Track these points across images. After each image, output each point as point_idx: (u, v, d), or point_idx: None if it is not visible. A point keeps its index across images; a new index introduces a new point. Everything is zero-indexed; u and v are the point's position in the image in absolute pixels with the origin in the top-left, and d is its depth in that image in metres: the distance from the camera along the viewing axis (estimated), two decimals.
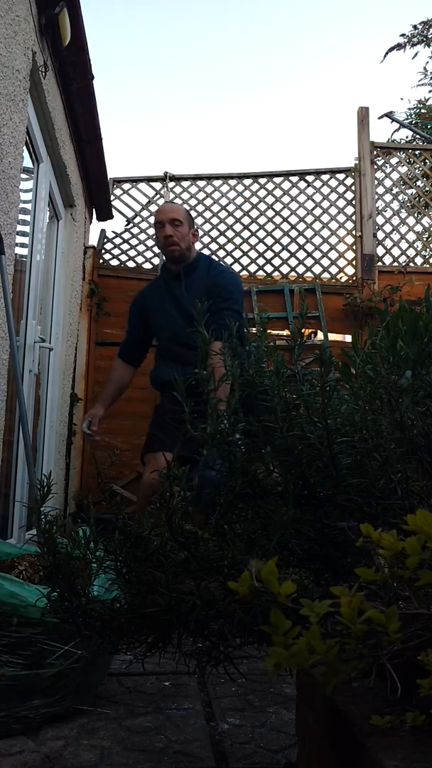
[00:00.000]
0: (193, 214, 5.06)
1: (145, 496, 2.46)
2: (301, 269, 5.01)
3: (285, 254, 5.03)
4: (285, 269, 5.02)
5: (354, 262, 5.00)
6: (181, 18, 26.27)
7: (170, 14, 26.41)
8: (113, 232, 5.01)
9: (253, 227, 5.06)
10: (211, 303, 2.56)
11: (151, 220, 5.02)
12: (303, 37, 25.26)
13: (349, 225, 5.05)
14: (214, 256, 4.92)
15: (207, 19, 25.34)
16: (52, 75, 3.12)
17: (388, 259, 5.01)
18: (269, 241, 5.05)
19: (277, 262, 5.02)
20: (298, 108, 31.11)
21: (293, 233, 5.05)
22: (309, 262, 5.03)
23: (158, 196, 5.07)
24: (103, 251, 4.91)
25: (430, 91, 11.32)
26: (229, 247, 5.03)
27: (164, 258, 2.80)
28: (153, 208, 5.05)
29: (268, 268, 5.02)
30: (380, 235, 5.03)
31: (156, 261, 4.93)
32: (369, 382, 1.05)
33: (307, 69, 27.18)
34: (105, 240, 4.98)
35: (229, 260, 5.00)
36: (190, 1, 25.35)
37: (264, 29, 26.00)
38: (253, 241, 5.05)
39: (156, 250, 4.96)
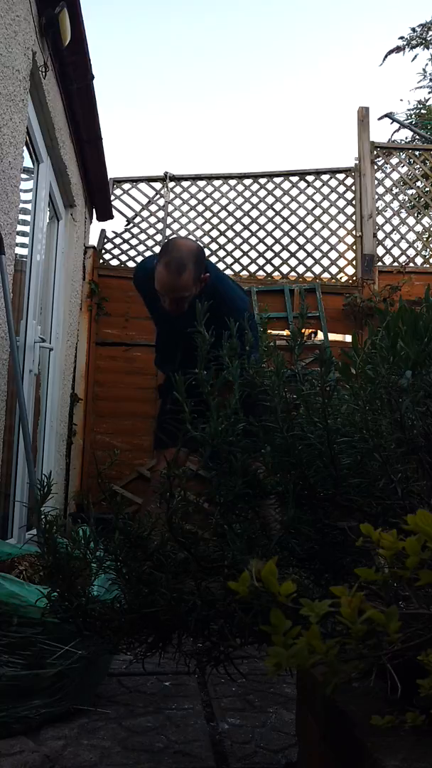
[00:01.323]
0: (193, 214, 5.05)
1: (154, 496, 2.46)
2: (301, 269, 5.01)
3: (285, 254, 5.03)
4: (285, 269, 5.01)
5: (354, 262, 4.99)
6: (182, 20, 26.30)
7: (172, 15, 26.44)
8: (113, 232, 5.02)
9: (253, 227, 5.06)
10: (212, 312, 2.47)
11: (152, 220, 5.03)
12: (303, 38, 25.28)
13: (349, 225, 5.05)
14: (214, 257, 4.91)
15: (208, 20, 25.35)
16: (52, 75, 3.12)
17: (388, 259, 5.01)
18: (269, 241, 5.05)
19: (277, 262, 5.02)
20: (298, 108, 31.12)
21: (293, 233, 5.05)
22: (309, 262, 5.02)
23: (158, 196, 5.07)
24: (103, 251, 4.91)
25: (430, 92, 11.30)
26: (229, 247, 5.03)
27: None
28: (153, 208, 5.05)
29: (268, 268, 5.02)
30: (380, 235, 5.02)
31: None
32: (369, 382, 1.06)
33: (307, 69, 27.19)
34: (105, 240, 4.98)
35: (229, 260, 5.00)
36: (192, 1, 25.37)
37: (264, 29, 26.02)
38: (253, 241, 5.05)
39: (156, 250, 4.95)
